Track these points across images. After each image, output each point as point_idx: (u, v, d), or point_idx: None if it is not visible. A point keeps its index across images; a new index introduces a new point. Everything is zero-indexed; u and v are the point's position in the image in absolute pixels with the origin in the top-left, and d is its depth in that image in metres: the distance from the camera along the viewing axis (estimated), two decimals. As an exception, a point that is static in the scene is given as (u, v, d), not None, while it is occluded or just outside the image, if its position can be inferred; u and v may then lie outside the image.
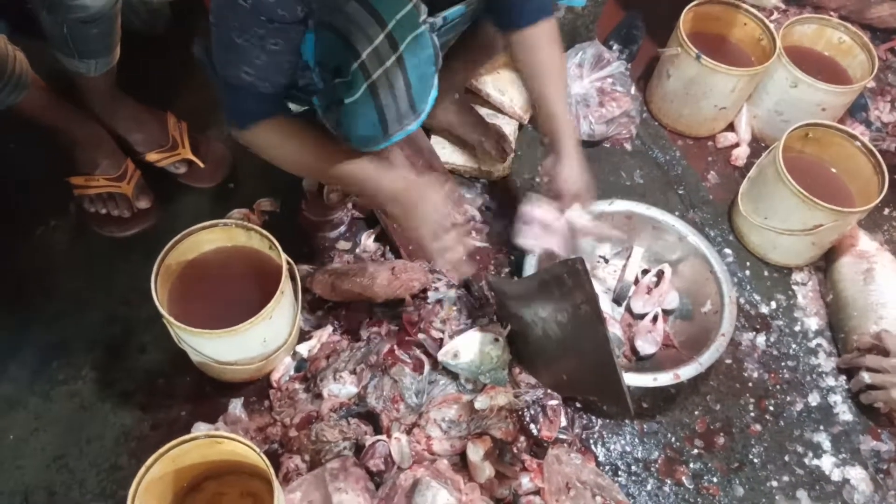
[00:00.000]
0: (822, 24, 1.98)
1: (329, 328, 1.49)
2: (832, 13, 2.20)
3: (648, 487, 1.42)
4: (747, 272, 1.74)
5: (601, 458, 1.43)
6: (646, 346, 1.53)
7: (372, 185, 1.29)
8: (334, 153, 1.28)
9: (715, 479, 1.44)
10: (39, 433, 1.36)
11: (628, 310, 1.57)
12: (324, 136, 1.29)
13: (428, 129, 1.79)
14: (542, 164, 1.44)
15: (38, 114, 1.50)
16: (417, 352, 1.44)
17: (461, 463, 1.34)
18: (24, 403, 1.39)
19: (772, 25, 1.88)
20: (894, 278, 1.64)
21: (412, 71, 1.21)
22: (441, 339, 1.44)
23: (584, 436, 1.45)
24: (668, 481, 1.42)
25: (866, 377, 1.51)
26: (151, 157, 1.65)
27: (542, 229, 1.39)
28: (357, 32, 1.14)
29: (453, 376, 1.40)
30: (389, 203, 1.30)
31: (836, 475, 1.47)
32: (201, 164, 1.68)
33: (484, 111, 1.81)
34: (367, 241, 1.63)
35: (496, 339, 1.39)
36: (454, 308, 1.50)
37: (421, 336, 1.45)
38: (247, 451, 1.14)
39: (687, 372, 1.41)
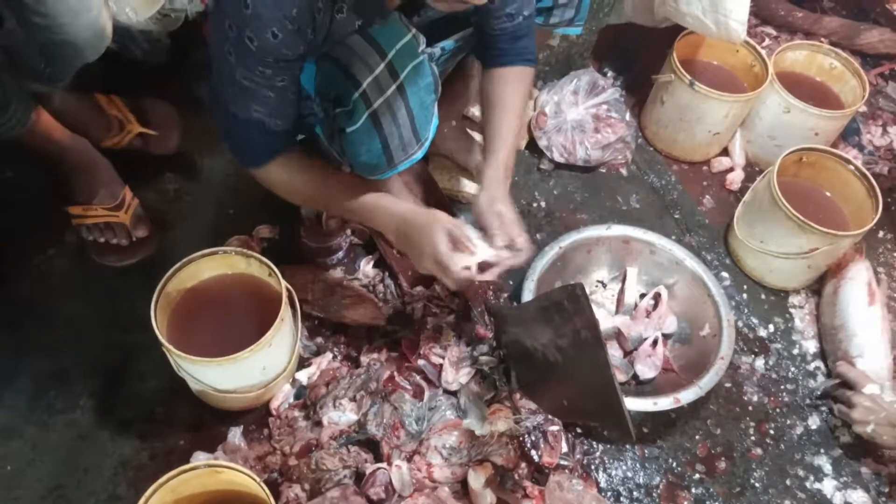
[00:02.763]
0: (814, 50, 2.01)
1: (328, 355, 1.49)
2: (823, 39, 2.24)
3: (650, 513, 1.41)
4: (744, 295, 1.75)
5: (603, 484, 1.42)
6: (645, 371, 1.53)
7: (374, 218, 1.31)
8: (340, 188, 1.30)
9: (717, 505, 1.43)
10: (37, 463, 1.35)
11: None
12: (330, 170, 1.31)
13: (426, 155, 1.80)
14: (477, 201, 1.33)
15: (37, 142, 1.51)
16: (417, 378, 1.44)
17: (462, 490, 1.33)
18: (20, 433, 1.38)
19: (764, 52, 1.91)
20: (854, 297, 1.64)
21: (413, 99, 1.23)
22: (441, 365, 1.44)
23: (585, 461, 1.44)
24: (670, 507, 1.42)
25: (835, 410, 1.53)
26: (108, 144, 1.65)
27: None
28: (357, 63, 1.15)
29: (453, 402, 1.40)
30: (392, 234, 1.30)
31: (837, 499, 1.46)
32: (153, 133, 1.70)
33: (480, 137, 1.83)
34: (367, 266, 1.63)
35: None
36: (453, 334, 1.50)
37: (421, 362, 1.45)
38: (246, 481, 1.13)
39: (687, 396, 1.41)
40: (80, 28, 1.24)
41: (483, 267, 1.19)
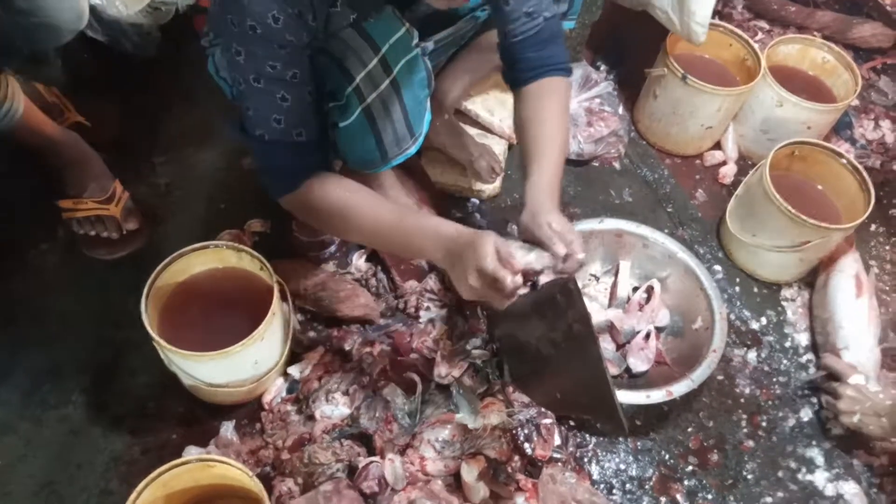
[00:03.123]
0: (806, 44, 2.01)
1: (321, 349, 1.48)
2: (816, 33, 2.24)
3: (643, 506, 1.42)
4: (737, 288, 1.76)
5: (595, 477, 1.43)
6: (638, 364, 1.53)
7: (417, 240, 1.15)
8: (371, 213, 1.17)
9: (710, 496, 1.43)
10: (29, 459, 1.35)
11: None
12: (360, 195, 1.18)
13: (418, 150, 1.80)
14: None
15: (26, 137, 1.50)
16: (410, 372, 1.44)
17: (455, 484, 1.33)
18: (14, 428, 1.38)
19: (756, 46, 1.91)
20: (842, 289, 1.64)
21: (407, 94, 1.22)
22: (433, 359, 1.44)
23: (578, 454, 1.44)
24: (663, 499, 1.42)
25: (823, 401, 1.54)
26: None
27: None
28: (351, 57, 1.15)
29: (446, 396, 1.40)
30: (441, 255, 1.12)
31: (829, 490, 1.47)
32: (87, 123, 1.71)
33: (474, 131, 1.83)
34: (359, 260, 1.63)
35: None
36: (446, 328, 1.50)
37: (413, 356, 1.45)
38: (239, 475, 1.13)
39: (679, 389, 1.41)
40: (61, 11, 1.25)
41: (529, 279, 1.09)
